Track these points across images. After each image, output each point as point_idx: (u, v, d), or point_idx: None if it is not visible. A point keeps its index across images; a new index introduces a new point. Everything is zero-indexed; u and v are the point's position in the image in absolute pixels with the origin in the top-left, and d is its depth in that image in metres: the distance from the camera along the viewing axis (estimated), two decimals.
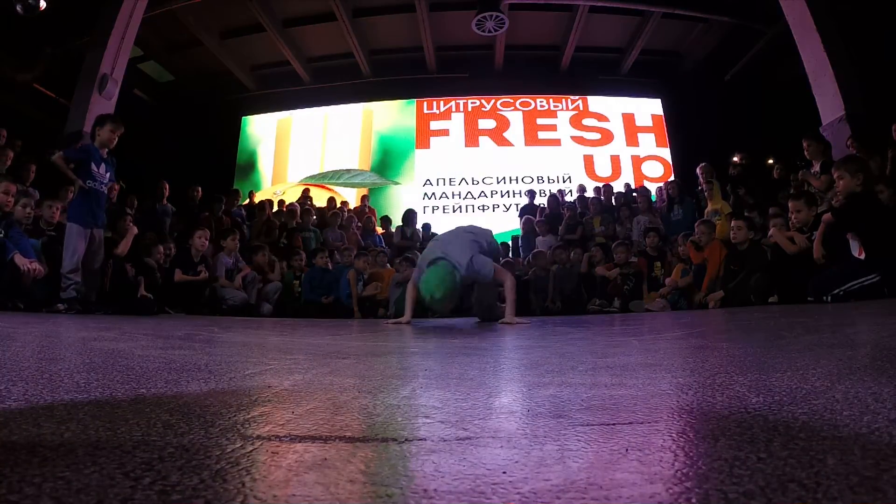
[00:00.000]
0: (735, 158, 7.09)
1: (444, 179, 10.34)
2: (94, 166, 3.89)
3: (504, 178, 10.39)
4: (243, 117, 11.24)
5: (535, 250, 6.50)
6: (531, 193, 8.88)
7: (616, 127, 10.66)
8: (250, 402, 0.66)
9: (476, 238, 3.34)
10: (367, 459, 0.42)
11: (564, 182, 10.10)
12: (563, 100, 10.79)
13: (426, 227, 8.04)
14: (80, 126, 6.46)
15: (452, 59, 10.55)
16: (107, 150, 4.03)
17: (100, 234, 4.00)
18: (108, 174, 4.03)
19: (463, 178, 10.33)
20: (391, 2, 9.14)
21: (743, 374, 0.82)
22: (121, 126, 4.04)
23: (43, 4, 5.99)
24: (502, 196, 10.26)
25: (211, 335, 1.99)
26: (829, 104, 6.36)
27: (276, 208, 8.19)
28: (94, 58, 6.78)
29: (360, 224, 8.01)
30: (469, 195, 10.21)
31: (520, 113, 10.80)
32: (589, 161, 10.47)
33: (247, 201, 8.76)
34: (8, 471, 0.37)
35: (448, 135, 10.72)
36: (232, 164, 10.94)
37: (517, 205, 9.90)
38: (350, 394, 0.72)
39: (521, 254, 7.47)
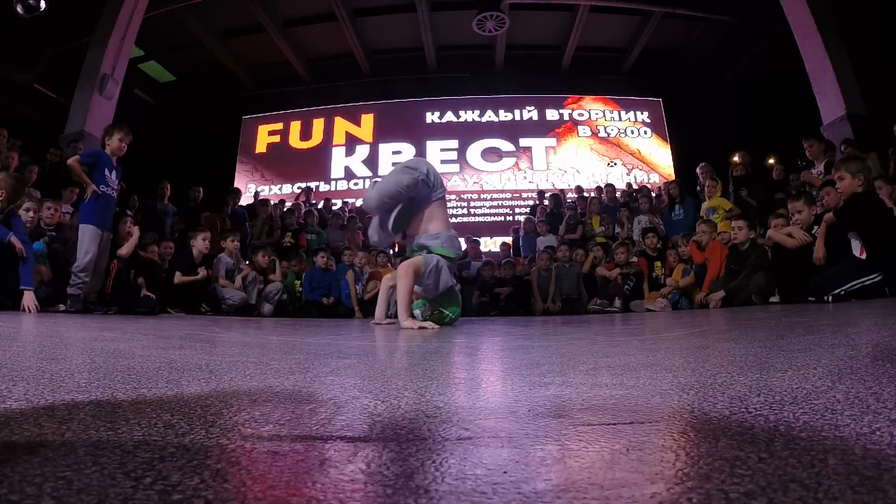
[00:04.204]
0: (735, 158, 7.08)
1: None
2: (106, 172, 3.97)
3: (505, 178, 10.39)
4: (243, 117, 11.25)
5: (538, 250, 6.50)
6: (540, 194, 8.87)
7: (616, 127, 10.67)
8: (251, 401, 0.66)
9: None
10: (367, 459, 0.42)
11: (565, 183, 10.11)
12: (564, 99, 10.80)
13: None
14: (81, 126, 6.47)
15: (453, 59, 10.57)
16: (116, 157, 4.10)
17: (108, 236, 4.09)
18: (116, 180, 4.11)
19: (464, 179, 10.33)
20: (391, 2, 9.15)
21: (744, 373, 0.82)
22: (129, 135, 4.14)
23: (43, 5, 6.00)
24: (505, 198, 10.25)
25: (212, 335, 1.99)
26: (830, 104, 6.36)
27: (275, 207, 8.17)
28: (95, 58, 6.79)
29: (361, 224, 8.01)
30: (470, 197, 10.22)
31: (520, 113, 10.80)
32: (589, 161, 10.47)
33: (252, 200, 8.78)
34: (9, 470, 0.37)
35: (447, 136, 10.73)
36: (232, 164, 10.95)
37: (518, 206, 9.92)
38: (351, 393, 0.72)
39: (522, 253, 7.47)
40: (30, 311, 3.31)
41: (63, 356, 1.12)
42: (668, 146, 10.48)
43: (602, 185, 8.61)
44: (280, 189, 10.60)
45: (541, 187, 9.62)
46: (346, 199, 10.04)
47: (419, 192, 2.86)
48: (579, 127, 10.65)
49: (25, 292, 3.39)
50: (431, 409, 0.62)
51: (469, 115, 10.80)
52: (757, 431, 0.48)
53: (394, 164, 10.56)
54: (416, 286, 2.97)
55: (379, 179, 2.94)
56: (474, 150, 10.54)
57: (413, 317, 2.77)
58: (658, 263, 5.74)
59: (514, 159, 10.54)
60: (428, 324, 2.58)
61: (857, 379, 0.71)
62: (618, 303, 5.47)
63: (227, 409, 0.62)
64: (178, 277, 4.90)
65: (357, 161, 10.74)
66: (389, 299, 3.18)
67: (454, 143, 10.61)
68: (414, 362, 1.22)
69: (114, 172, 4.08)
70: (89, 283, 3.89)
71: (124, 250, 4.39)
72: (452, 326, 2.85)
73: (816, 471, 0.36)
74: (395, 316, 3.17)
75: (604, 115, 10.73)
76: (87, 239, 3.85)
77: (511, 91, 10.71)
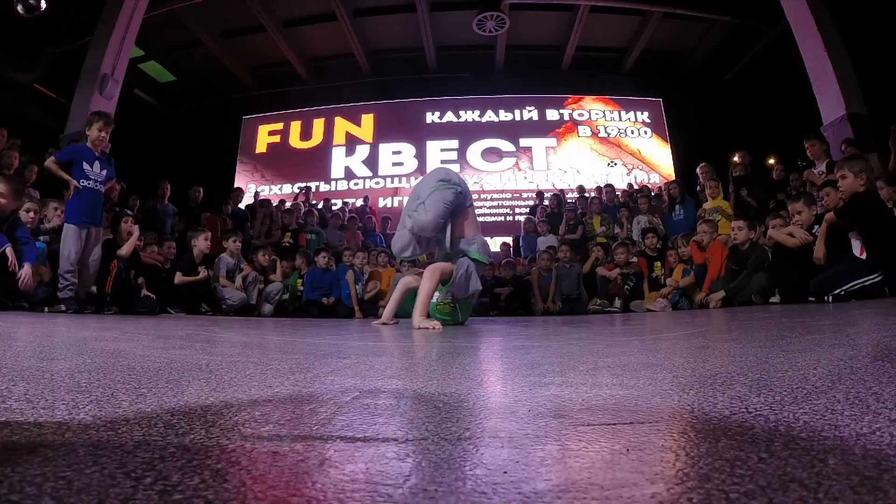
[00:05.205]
0: (735, 158, 7.07)
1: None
2: (86, 165, 3.91)
3: (505, 178, 10.39)
4: (243, 117, 11.25)
5: (538, 250, 6.50)
6: (539, 195, 8.87)
7: (616, 127, 10.66)
8: (251, 401, 0.66)
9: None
10: (367, 459, 0.42)
11: (565, 183, 10.10)
12: (564, 99, 10.79)
13: None
14: (81, 126, 6.44)
15: (453, 59, 10.56)
16: (101, 148, 4.04)
17: (96, 232, 4.02)
18: (104, 172, 4.04)
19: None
20: (392, 2, 9.15)
21: (744, 373, 0.82)
22: (109, 123, 4.06)
23: (43, 5, 6.00)
24: (505, 198, 10.24)
25: (212, 335, 1.99)
26: (830, 104, 6.36)
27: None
28: (95, 58, 6.78)
29: (361, 224, 8.01)
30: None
31: (520, 113, 10.80)
32: (589, 161, 10.47)
33: (251, 201, 8.79)
34: (9, 470, 0.37)
35: (447, 136, 10.73)
36: (232, 164, 10.95)
37: (518, 206, 9.92)
38: (351, 394, 0.72)
39: (522, 253, 7.47)
40: (22, 282, 3.27)
41: (63, 356, 1.12)
42: (668, 146, 10.47)
43: (602, 186, 8.61)
44: (280, 189, 10.59)
45: (541, 187, 9.61)
46: (345, 200, 10.03)
47: (456, 203, 2.99)
48: (579, 127, 10.64)
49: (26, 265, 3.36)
50: (431, 409, 0.62)
51: (469, 115, 10.79)
52: (757, 431, 0.48)
53: (394, 163, 10.57)
54: (412, 279, 3.13)
55: (423, 202, 2.96)
56: (474, 151, 10.54)
57: (448, 304, 2.95)
58: (658, 264, 5.75)
59: (514, 159, 10.53)
60: (436, 323, 2.64)
61: (857, 379, 0.71)
62: (618, 303, 5.47)
63: (227, 409, 0.62)
64: (179, 278, 4.90)
65: (357, 161, 10.73)
66: (402, 300, 3.19)
67: (454, 144, 10.60)
68: (414, 362, 1.22)
69: (96, 164, 3.97)
70: (79, 282, 3.86)
71: (124, 250, 4.38)
72: (453, 327, 2.87)
73: (816, 471, 0.36)
74: (398, 316, 3.20)
75: (604, 115, 10.73)
76: (70, 239, 3.82)
77: (511, 91, 10.70)
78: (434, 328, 2.53)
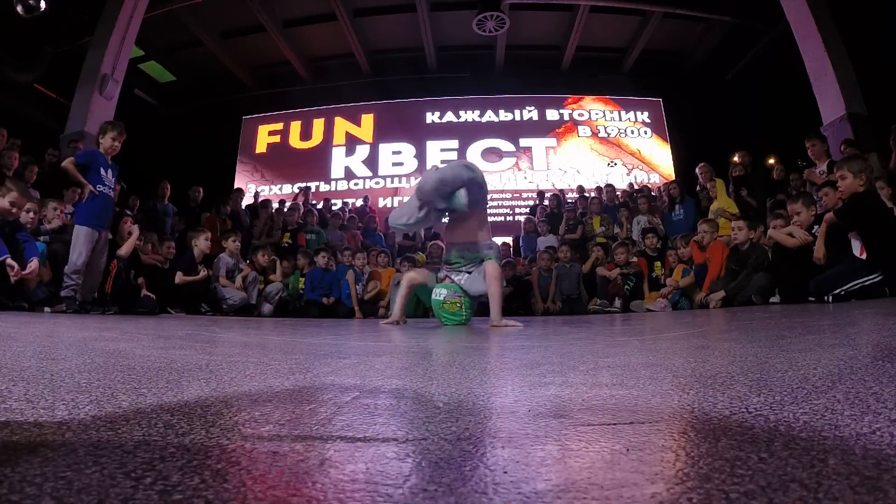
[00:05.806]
0: (735, 158, 7.07)
1: None
2: (102, 171, 3.97)
3: (505, 178, 10.39)
4: (243, 117, 11.24)
5: (538, 250, 6.50)
6: (540, 195, 8.86)
7: (616, 127, 10.66)
8: (251, 401, 0.66)
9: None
10: (367, 459, 0.42)
11: (565, 183, 10.10)
12: (564, 99, 10.79)
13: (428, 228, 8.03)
14: (81, 126, 6.47)
15: (453, 59, 10.56)
16: (111, 155, 4.11)
17: (105, 235, 4.08)
18: (113, 178, 4.11)
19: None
20: (392, 2, 9.15)
21: (744, 373, 0.82)
22: (123, 134, 4.15)
23: (43, 5, 6.00)
24: (505, 198, 10.24)
25: (212, 335, 1.99)
26: (830, 104, 6.36)
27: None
28: (95, 58, 6.78)
29: (361, 224, 8.01)
30: None
31: (520, 113, 10.80)
32: (589, 161, 10.47)
33: (251, 201, 8.79)
34: (9, 470, 0.37)
35: (447, 136, 10.73)
36: (233, 164, 10.95)
37: (518, 206, 9.92)
38: (351, 394, 0.72)
39: (522, 253, 7.46)
40: (13, 271, 3.24)
41: (63, 356, 1.12)
42: (668, 146, 10.47)
43: (602, 186, 8.60)
44: (280, 189, 10.59)
45: (541, 187, 9.60)
46: (345, 200, 10.03)
47: (472, 193, 2.88)
48: (579, 127, 10.63)
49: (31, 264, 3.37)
50: (431, 409, 0.62)
51: (469, 116, 10.79)
52: (757, 431, 0.48)
53: (394, 163, 10.57)
54: (417, 275, 3.23)
55: (438, 167, 3.01)
56: (474, 151, 10.53)
57: (457, 303, 3.02)
58: (658, 264, 5.75)
59: (514, 159, 10.52)
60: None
61: (857, 379, 0.71)
62: (618, 303, 5.47)
63: (227, 409, 0.62)
64: (179, 277, 4.90)
65: (357, 161, 10.73)
66: (408, 298, 3.27)
67: (454, 144, 10.60)
68: (413, 362, 1.22)
69: (110, 171, 4.06)
70: (85, 284, 3.87)
71: (124, 250, 4.38)
72: (454, 327, 2.89)
73: (816, 471, 0.36)
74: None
75: (604, 115, 10.72)
76: (81, 240, 3.83)
77: (511, 91, 10.69)
78: (516, 326, 2.69)
